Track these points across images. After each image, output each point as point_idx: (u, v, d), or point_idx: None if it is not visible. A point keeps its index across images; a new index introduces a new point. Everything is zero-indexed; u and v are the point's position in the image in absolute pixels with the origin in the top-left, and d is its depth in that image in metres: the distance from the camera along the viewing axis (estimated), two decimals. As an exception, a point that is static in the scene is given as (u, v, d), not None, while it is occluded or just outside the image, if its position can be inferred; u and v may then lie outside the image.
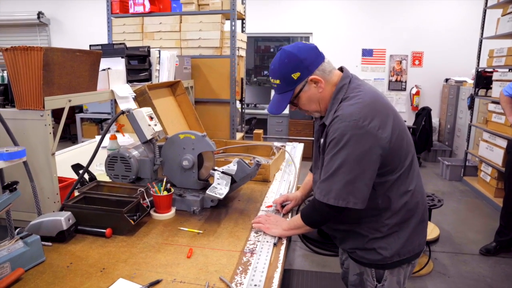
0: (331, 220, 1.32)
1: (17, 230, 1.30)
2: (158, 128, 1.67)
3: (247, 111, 6.90)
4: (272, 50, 8.20)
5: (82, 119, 6.70)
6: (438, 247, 3.36)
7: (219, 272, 1.13)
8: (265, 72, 7.92)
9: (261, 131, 3.58)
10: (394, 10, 6.65)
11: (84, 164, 1.61)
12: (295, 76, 1.25)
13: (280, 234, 1.38)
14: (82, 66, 1.60)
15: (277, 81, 1.29)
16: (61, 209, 1.41)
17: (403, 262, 1.33)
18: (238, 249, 1.28)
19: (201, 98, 3.33)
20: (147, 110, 1.64)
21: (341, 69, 1.36)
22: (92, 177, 1.77)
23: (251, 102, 7.06)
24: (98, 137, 2.73)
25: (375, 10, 6.70)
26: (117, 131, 2.50)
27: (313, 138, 1.46)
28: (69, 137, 7.43)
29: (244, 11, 3.68)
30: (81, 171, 1.69)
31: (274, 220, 1.46)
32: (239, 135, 3.73)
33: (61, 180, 1.62)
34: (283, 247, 1.32)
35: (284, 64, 1.26)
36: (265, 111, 6.74)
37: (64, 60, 1.48)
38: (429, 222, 3.02)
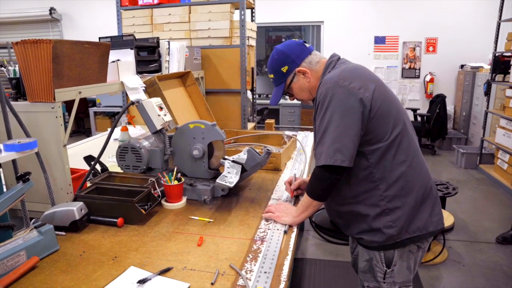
0: (333, 185, 1.29)
1: (32, 221, 1.33)
2: (168, 118, 1.67)
3: (259, 101, 6.88)
4: (283, 40, 8.10)
5: (95, 113, 6.78)
6: (452, 235, 3.32)
7: (229, 260, 1.14)
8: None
9: (272, 121, 3.56)
10: (407, -5, 6.50)
11: (96, 155, 1.63)
12: (284, 69, 1.41)
13: (291, 222, 1.38)
14: (91, 58, 1.61)
15: (271, 76, 1.46)
16: (74, 200, 1.43)
17: (413, 240, 1.30)
18: (249, 237, 1.28)
19: (212, 88, 3.33)
20: (156, 101, 1.64)
21: None
22: (104, 168, 1.79)
23: (263, 93, 7.03)
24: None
25: (388, -4, 6.56)
26: (128, 123, 2.53)
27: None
28: (83, 131, 7.54)
29: (254, 0, 3.65)
30: (92, 163, 1.72)
31: (284, 208, 1.47)
32: (250, 125, 3.72)
33: (73, 171, 1.65)
34: (293, 235, 1.31)
35: (274, 59, 1.43)
36: (277, 101, 6.70)
37: (73, 52, 1.49)
38: (443, 210, 2.98)
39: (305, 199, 1.37)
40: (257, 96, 7.03)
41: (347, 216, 1.39)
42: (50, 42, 1.36)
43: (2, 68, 1.61)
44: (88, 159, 1.73)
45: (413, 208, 1.29)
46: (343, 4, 6.70)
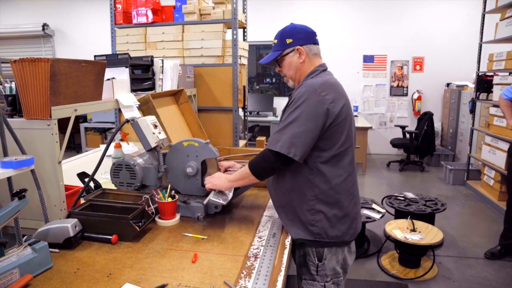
0: (275, 170, 1.47)
1: (24, 238, 1.32)
2: (162, 136, 1.70)
3: (250, 118, 6.94)
4: (274, 58, 8.20)
5: (86, 129, 6.76)
6: (442, 251, 3.36)
7: (223, 276, 1.15)
8: (267, 80, 7.97)
9: (263, 138, 3.60)
10: (394, 16, 6.71)
11: (89, 172, 1.64)
12: (288, 40, 1.54)
13: (225, 186, 1.56)
14: (88, 76, 1.64)
15: (275, 41, 1.58)
16: (68, 217, 1.44)
17: (331, 244, 1.48)
18: (242, 254, 1.30)
19: (204, 106, 3.36)
20: (151, 119, 1.67)
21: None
22: (98, 185, 1.80)
23: (254, 110, 7.10)
24: (102, 146, 2.75)
25: (376, 17, 6.76)
26: (122, 140, 2.54)
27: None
28: (73, 147, 7.49)
29: (246, 20, 3.73)
30: (86, 179, 1.73)
31: (217, 175, 1.60)
32: (242, 142, 3.75)
33: (67, 188, 1.65)
34: (286, 251, 1.34)
35: (285, 30, 1.57)
36: (268, 119, 6.77)
37: (70, 71, 1.52)
38: (432, 226, 3.03)
39: (245, 169, 1.50)
40: (248, 113, 7.14)
41: (283, 204, 1.53)
42: (48, 61, 1.39)
43: (-1, 86, 1.62)
44: (82, 175, 1.74)
45: (333, 218, 1.46)
46: (332, 23, 6.88)
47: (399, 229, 2.90)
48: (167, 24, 3.28)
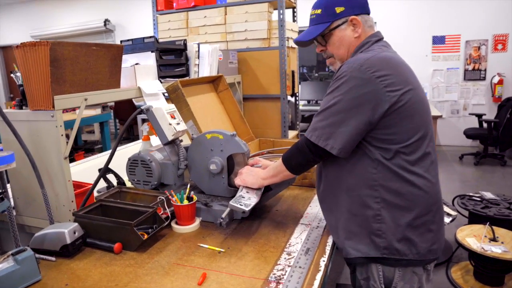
0: (310, 164, 1.25)
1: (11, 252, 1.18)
2: (182, 127, 1.48)
3: (306, 108, 6.59)
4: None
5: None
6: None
7: (232, 308, 0.90)
8: (329, 68, 7.52)
9: (315, 128, 3.28)
10: (470, -11, 5.89)
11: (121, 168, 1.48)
12: (339, 9, 1.21)
13: (257, 183, 1.33)
14: (100, 61, 1.46)
15: (318, 11, 1.24)
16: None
17: (413, 263, 1.12)
18: (262, 276, 1.03)
19: (249, 94, 3.12)
20: (168, 107, 1.45)
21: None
22: (120, 182, 1.64)
23: (312, 99, 6.72)
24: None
25: (448, -9, 5.99)
26: (151, 132, 2.38)
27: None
28: (132, 138, 7.71)
29: (295, 0, 3.41)
30: (109, 176, 1.57)
31: (248, 170, 1.39)
32: (292, 133, 3.46)
33: (83, 185, 1.51)
34: (319, 276, 1.04)
35: None
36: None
37: (77, 55, 1.35)
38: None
39: (278, 164, 1.28)
40: (305, 102, 6.79)
41: (335, 207, 1.21)
42: (47, 44, 1.22)
43: (12, 75, 1.52)
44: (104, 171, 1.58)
45: (408, 227, 1.10)
46: (397, 3, 6.22)
47: (474, 237, 2.42)
48: (209, 7, 3.07)
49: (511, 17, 5.74)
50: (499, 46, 5.90)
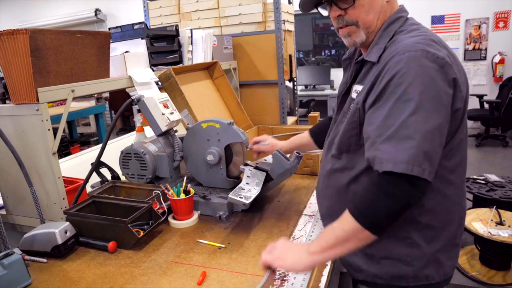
0: (408, 207, 0.82)
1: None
2: (176, 117, 1.40)
3: (305, 93, 6.49)
4: (332, 28, 7.58)
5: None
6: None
7: (234, 310, 0.84)
8: (326, 52, 7.38)
9: (317, 113, 3.17)
10: (470, -35, 5.74)
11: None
12: None
13: (305, 264, 0.85)
14: (87, 50, 1.37)
15: None
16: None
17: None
18: (266, 273, 0.97)
19: (246, 80, 3.03)
20: (161, 96, 1.38)
21: None
22: (115, 176, 1.57)
23: (309, 84, 6.62)
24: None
25: (447, -31, 5.84)
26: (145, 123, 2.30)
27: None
28: (129, 129, 7.62)
29: (291, -19, 3.29)
30: (102, 169, 1.50)
31: (285, 245, 0.90)
32: (291, 119, 3.37)
33: (74, 181, 1.44)
34: (326, 271, 0.98)
35: None
36: (325, 92, 6.28)
37: (61, 44, 1.26)
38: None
39: (343, 223, 0.84)
40: (303, 87, 6.68)
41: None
42: (26, 32, 1.14)
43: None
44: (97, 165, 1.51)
45: (441, 250, 0.94)
46: (394, -18, 6.08)
47: (480, 221, 2.37)
48: (201, -9, 2.96)
49: (512, -7, 5.62)
50: (501, 24, 5.78)
